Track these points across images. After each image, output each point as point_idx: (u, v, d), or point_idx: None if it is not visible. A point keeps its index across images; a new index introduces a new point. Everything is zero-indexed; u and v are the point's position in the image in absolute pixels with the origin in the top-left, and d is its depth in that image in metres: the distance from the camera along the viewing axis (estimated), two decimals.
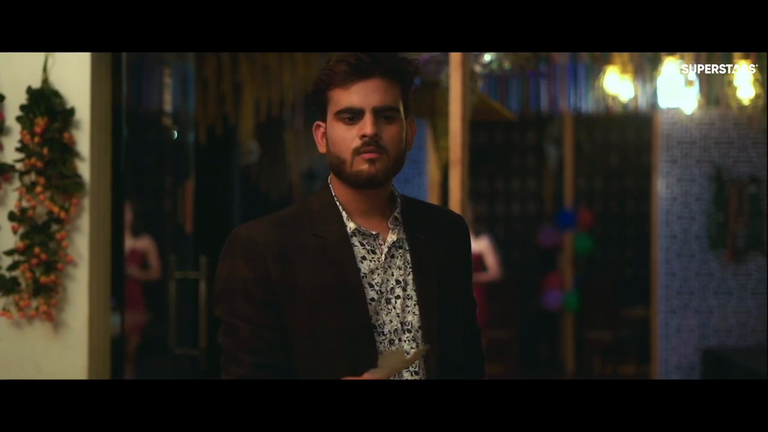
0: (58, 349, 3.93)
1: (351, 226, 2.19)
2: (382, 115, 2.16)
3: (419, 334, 2.19)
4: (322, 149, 2.23)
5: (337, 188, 2.22)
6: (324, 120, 2.22)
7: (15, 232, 3.87)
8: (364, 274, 2.17)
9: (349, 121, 2.15)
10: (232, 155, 7.91)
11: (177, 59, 5.91)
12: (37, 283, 3.86)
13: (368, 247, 2.19)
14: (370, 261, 2.18)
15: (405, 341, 2.18)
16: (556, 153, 10.56)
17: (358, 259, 2.17)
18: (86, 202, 3.93)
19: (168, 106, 5.58)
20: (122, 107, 4.20)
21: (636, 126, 10.03)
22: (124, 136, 4.24)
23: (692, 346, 8.72)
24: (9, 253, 3.87)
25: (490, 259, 8.38)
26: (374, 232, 2.20)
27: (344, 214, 2.20)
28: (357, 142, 2.14)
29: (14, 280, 3.87)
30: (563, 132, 10.15)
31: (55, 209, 3.85)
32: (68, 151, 3.89)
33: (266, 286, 2.13)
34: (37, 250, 3.84)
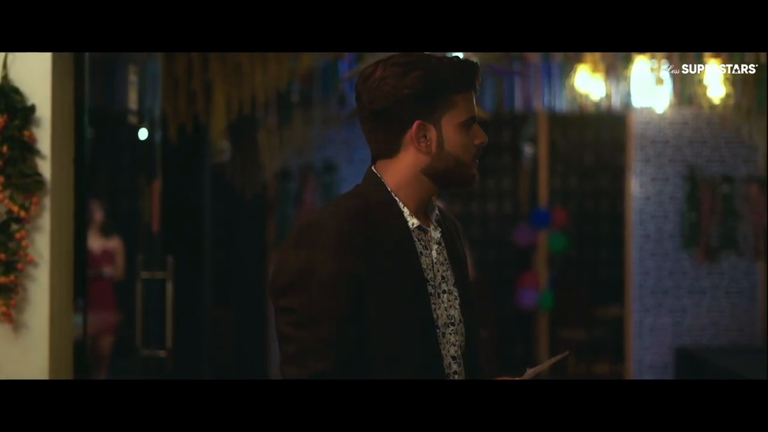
0: (19, 350, 3.87)
1: (414, 222, 2.23)
2: None
3: (461, 327, 2.27)
4: (429, 150, 2.22)
5: (402, 184, 2.24)
6: (424, 119, 2.21)
7: None
8: (423, 269, 2.22)
9: (467, 128, 2.23)
10: (203, 154, 7.85)
11: (147, 57, 5.86)
12: None
13: (422, 243, 2.24)
14: (425, 257, 2.23)
15: (451, 334, 2.24)
16: (531, 152, 10.56)
17: (418, 254, 2.22)
18: (47, 201, 3.88)
19: (135, 105, 5.53)
20: (85, 105, 4.15)
21: (610, 125, 10.03)
22: (86, 135, 4.18)
23: (666, 345, 8.73)
24: None
25: None
26: (427, 229, 2.26)
27: (405, 210, 2.23)
28: (474, 149, 2.25)
29: None
30: (538, 131, 10.15)
31: (15, 208, 3.80)
32: (28, 149, 3.84)
33: (350, 279, 2.11)
34: None
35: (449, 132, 2.22)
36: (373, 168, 2.27)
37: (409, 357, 2.15)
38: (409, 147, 2.22)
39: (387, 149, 2.25)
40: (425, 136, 2.21)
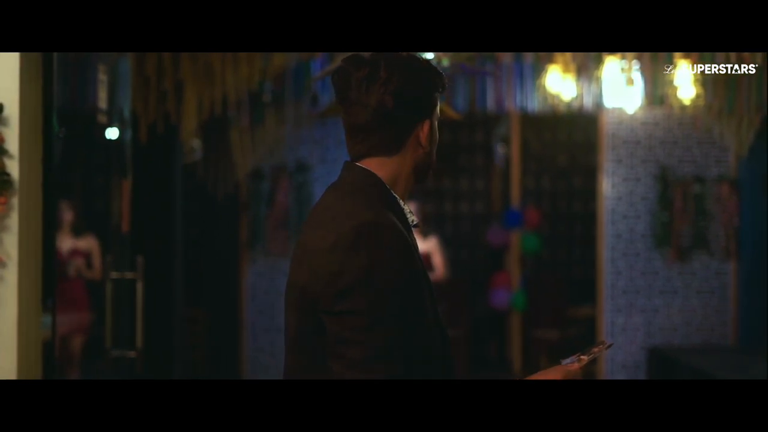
0: None
1: (413, 219, 2.28)
2: None
3: None
4: (425, 147, 2.28)
5: (395, 181, 2.26)
6: (427, 119, 2.27)
7: None
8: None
9: None
10: (174, 154, 7.82)
11: (118, 56, 5.82)
12: None
13: (412, 238, 2.27)
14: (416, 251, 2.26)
15: None
16: (503, 152, 10.57)
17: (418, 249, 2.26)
18: (15, 201, 3.84)
19: (105, 104, 5.49)
20: (53, 105, 4.11)
21: (583, 125, 10.07)
22: (55, 134, 4.15)
23: (638, 344, 8.77)
24: None
25: (437, 259, 8.37)
26: (418, 225, 2.30)
27: (406, 207, 2.25)
28: None
29: None
30: (510, 131, 10.17)
31: None
32: None
33: (413, 278, 2.11)
34: None
35: (434, 128, 2.30)
36: (361, 165, 2.23)
37: (433, 353, 2.17)
38: (410, 145, 2.24)
39: (388, 148, 2.23)
40: (424, 134, 2.27)
